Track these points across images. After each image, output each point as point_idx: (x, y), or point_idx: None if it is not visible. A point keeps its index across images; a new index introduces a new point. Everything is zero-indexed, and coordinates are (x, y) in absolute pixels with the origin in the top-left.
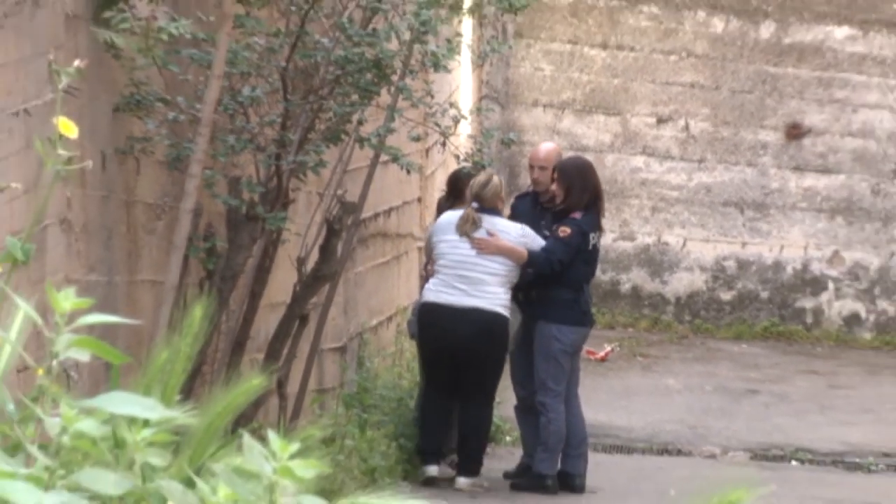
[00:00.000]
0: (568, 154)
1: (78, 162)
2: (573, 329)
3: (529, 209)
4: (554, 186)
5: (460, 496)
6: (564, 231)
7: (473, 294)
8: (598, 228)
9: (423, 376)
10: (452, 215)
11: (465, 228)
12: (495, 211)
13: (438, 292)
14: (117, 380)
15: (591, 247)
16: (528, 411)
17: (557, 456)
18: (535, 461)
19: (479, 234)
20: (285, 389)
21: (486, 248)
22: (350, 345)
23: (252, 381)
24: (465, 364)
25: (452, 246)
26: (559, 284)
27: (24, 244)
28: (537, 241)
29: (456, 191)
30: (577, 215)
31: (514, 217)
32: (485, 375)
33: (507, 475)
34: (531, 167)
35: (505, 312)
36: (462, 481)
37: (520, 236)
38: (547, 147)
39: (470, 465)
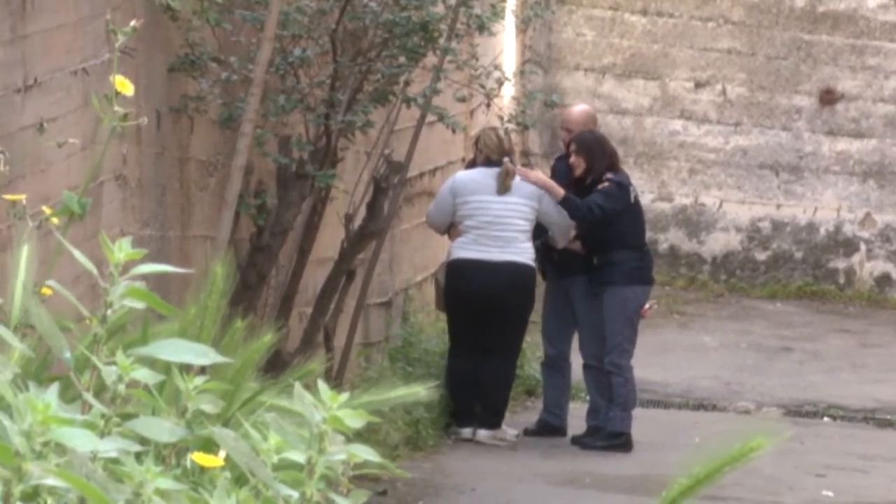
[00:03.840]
0: (608, 118)
1: (133, 119)
2: (644, 288)
3: (565, 171)
4: (572, 159)
5: (526, 451)
6: (604, 185)
7: (508, 250)
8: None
9: (451, 338)
10: (473, 174)
11: (508, 183)
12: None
13: (470, 250)
14: (147, 334)
15: (633, 199)
16: (554, 369)
17: (631, 414)
18: (611, 420)
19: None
20: (332, 343)
21: (529, 177)
22: (395, 300)
23: (264, 339)
24: (495, 318)
25: (483, 205)
26: (619, 247)
27: (81, 198)
28: (552, 205)
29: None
30: (610, 176)
31: (552, 178)
32: (513, 329)
33: (527, 432)
34: (563, 129)
35: (534, 266)
36: (483, 434)
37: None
38: (577, 109)
39: (491, 417)
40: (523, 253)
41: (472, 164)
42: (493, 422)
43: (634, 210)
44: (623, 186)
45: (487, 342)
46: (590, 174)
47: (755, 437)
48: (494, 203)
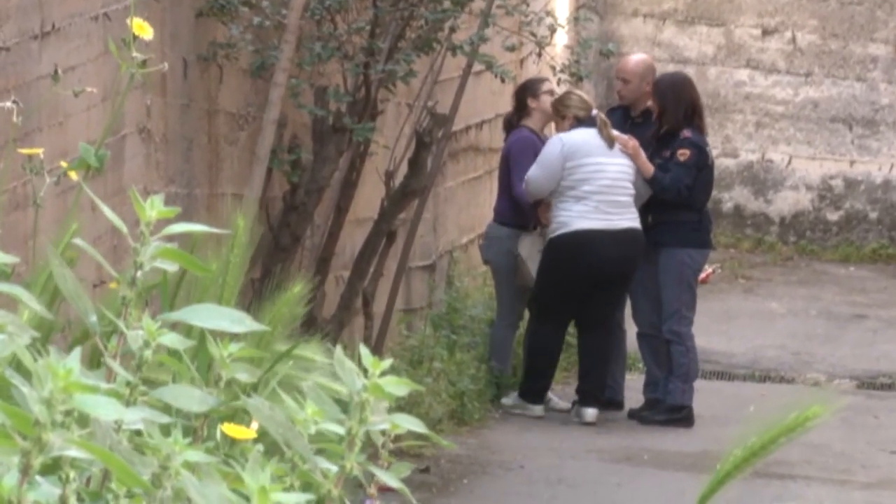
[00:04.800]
0: (669, 68)
1: (153, 66)
2: (701, 252)
3: (619, 123)
4: (650, 102)
5: (579, 426)
6: (684, 154)
7: (627, 216)
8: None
9: (541, 309)
10: (580, 135)
11: (610, 134)
12: None
13: (593, 219)
14: (168, 296)
15: (710, 162)
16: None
17: (692, 386)
18: (670, 392)
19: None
20: (371, 309)
21: (627, 146)
22: (439, 263)
23: (294, 290)
24: (612, 289)
25: (600, 168)
26: (679, 207)
27: (99, 150)
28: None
29: (523, 104)
30: (688, 133)
31: None
32: (621, 300)
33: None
34: (618, 80)
35: None
36: (592, 412)
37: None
38: (635, 59)
39: (599, 394)
40: (637, 218)
41: (512, 119)
42: (600, 398)
43: (707, 172)
44: (702, 150)
45: (588, 315)
46: (663, 122)
47: (811, 405)
48: (610, 165)
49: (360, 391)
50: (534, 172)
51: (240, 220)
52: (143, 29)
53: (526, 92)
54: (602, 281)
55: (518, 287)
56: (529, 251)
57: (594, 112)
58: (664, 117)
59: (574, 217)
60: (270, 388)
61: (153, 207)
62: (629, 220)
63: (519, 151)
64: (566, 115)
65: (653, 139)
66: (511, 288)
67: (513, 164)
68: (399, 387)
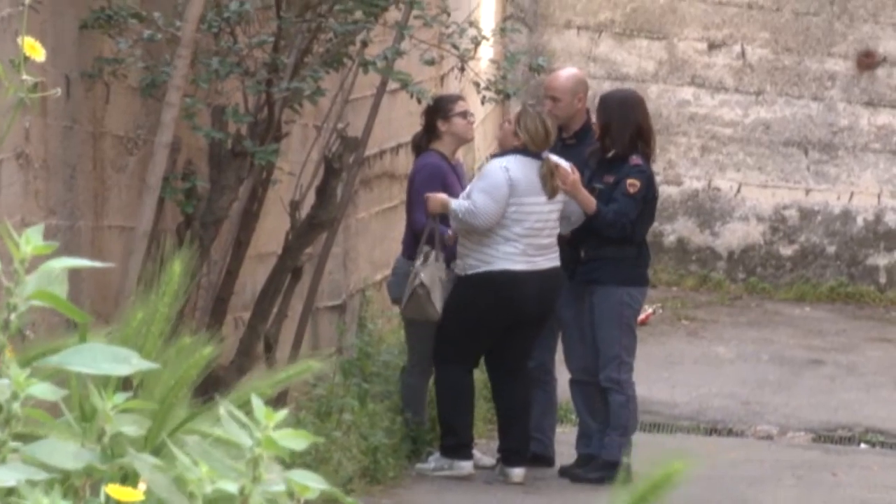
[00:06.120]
0: (605, 85)
1: (43, 89)
2: (641, 290)
3: (553, 148)
4: (595, 119)
5: (504, 484)
6: (634, 185)
7: (549, 256)
8: None
9: (454, 353)
10: (521, 168)
11: (556, 185)
12: None
13: (519, 261)
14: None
15: (656, 193)
16: (534, 384)
17: (630, 440)
18: (606, 447)
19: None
20: (274, 354)
21: (566, 182)
22: (350, 303)
23: (203, 352)
24: (524, 330)
25: (535, 209)
26: (621, 242)
27: None
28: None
29: (433, 126)
30: (638, 161)
31: None
32: (549, 344)
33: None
34: (546, 98)
35: None
36: (519, 472)
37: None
38: (564, 74)
39: (525, 451)
40: (557, 256)
41: (421, 141)
42: (526, 455)
43: (652, 203)
44: (651, 180)
45: (511, 359)
46: (606, 145)
47: (675, 459)
48: (545, 206)
49: (253, 446)
50: (486, 204)
51: (176, 264)
52: (34, 49)
53: (436, 113)
54: (521, 321)
55: (410, 320)
56: (431, 279)
57: (545, 155)
58: (607, 139)
59: (498, 257)
60: (162, 444)
61: (28, 243)
62: (551, 259)
63: (423, 181)
64: (519, 135)
65: (592, 161)
66: (422, 330)
67: (414, 194)
68: (297, 440)
